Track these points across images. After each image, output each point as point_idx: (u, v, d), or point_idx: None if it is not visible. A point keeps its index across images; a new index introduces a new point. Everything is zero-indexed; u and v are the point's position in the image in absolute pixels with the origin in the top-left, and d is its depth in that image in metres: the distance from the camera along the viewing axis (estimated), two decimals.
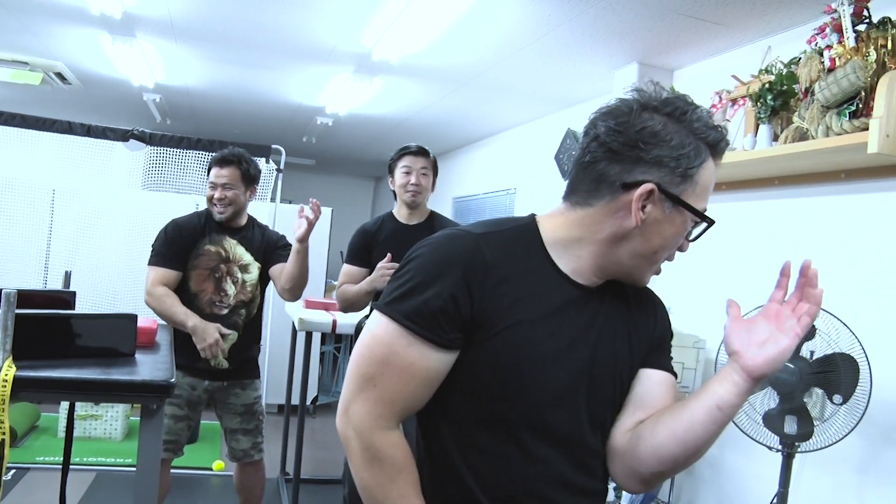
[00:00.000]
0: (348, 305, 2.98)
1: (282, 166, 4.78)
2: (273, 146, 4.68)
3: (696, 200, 1.11)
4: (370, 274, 2.92)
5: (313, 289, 5.68)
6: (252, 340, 2.94)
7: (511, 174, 6.04)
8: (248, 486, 2.99)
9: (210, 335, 2.68)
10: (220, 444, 4.44)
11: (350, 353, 3.83)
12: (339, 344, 6.63)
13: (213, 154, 4.43)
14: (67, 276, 2.28)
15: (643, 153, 1.08)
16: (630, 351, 1.21)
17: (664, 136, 1.08)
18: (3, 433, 1.39)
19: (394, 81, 4.71)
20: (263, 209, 4.89)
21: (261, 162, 4.70)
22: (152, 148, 4.52)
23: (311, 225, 2.66)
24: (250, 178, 2.88)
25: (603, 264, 1.15)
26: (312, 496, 3.88)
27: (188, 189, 4.84)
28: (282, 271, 2.80)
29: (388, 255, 2.83)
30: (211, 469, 4.18)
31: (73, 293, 2.12)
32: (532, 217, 1.21)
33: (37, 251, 4.62)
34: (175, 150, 4.57)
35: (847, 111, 2.35)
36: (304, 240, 2.67)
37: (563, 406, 1.12)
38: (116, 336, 1.72)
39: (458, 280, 1.06)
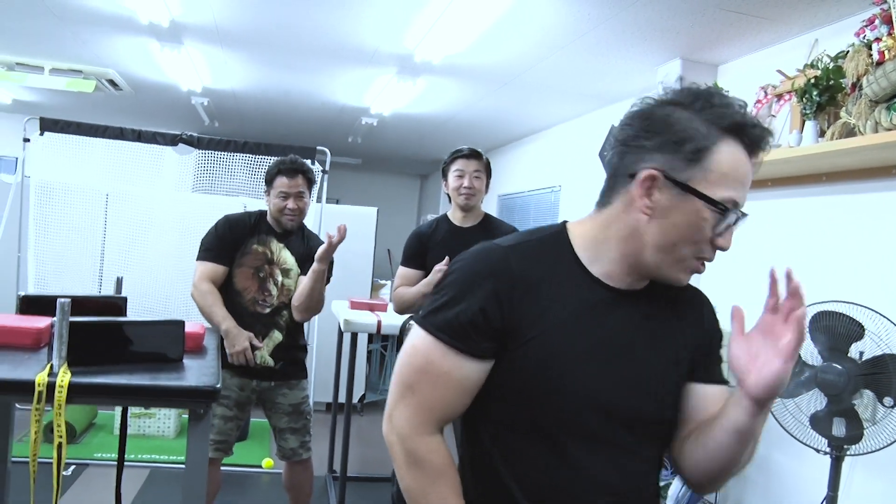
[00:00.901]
0: (406, 307, 3.00)
1: (327, 167, 4.84)
2: (318, 147, 4.74)
3: (711, 187, 1.06)
4: (426, 276, 2.95)
5: (359, 289, 5.74)
6: (297, 342, 2.99)
7: (556, 171, 6.01)
8: (297, 485, 3.05)
9: (240, 342, 2.74)
10: (269, 442, 4.53)
11: (397, 351, 3.86)
12: (385, 342, 6.69)
13: (272, 159, 4.54)
14: (119, 281, 2.35)
15: (647, 141, 1.08)
16: (671, 354, 1.18)
17: (669, 123, 1.07)
18: (61, 435, 1.45)
19: (437, 81, 4.74)
20: (309, 210, 4.95)
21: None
22: (200, 151, 4.62)
23: (331, 246, 2.67)
24: (312, 184, 2.96)
25: (632, 263, 1.14)
26: (360, 494, 3.94)
27: (236, 191, 4.93)
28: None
29: (446, 257, 2.86)
30: (260, 466, 4.27)
31: (125, 298, 2.19)
32: (563, 224, 1.22)
33: (91, 254, 4.77)
34: (223, 153, 4.67)
35: None
36: (322, 259, 2.70)
37: (596, 408, 1.13)
38: (165, 341, 1.77)
39: (488, 293, 1.11)
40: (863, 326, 2.34)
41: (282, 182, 2.85)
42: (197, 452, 1.61)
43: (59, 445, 1.45)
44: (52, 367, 1.48)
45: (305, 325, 3.09)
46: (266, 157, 4.65)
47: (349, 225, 5.53)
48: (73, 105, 6.68)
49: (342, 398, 4.29)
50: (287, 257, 2.92)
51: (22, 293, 2.08)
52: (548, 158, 6.24)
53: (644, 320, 1.17)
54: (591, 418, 1.12)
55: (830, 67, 2.59)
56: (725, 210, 1.07)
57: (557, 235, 1.20)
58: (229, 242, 2.87)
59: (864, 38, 2.48)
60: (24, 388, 1.43)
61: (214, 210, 4.80)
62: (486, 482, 1.17)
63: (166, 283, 4.69)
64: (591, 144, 5.16)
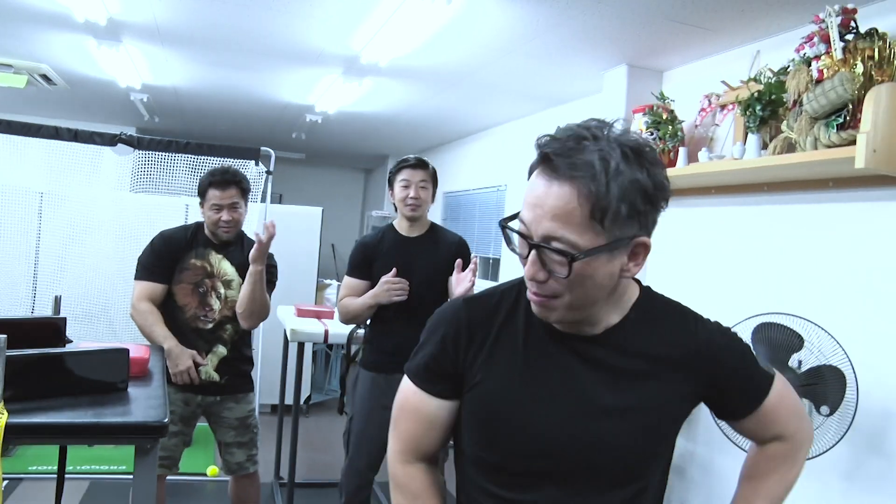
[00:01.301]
0: (351, 318, 2.98)
1: (271, 168, 4.75)
2: (262, 149, 4.65)
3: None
4: (371, 286, 2.92)
5: (305, 288, 5.67)
6: (243, 355, 2.94)
7: (502, 170, 6.04)
8: (244, 499, 3.01)
9: (183, 362, 2.68)
10: (213, 450, 4.44)
11: (343, 352, 3.83)
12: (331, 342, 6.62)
13: (215, 160, 4.46)
14: (57, 301, 2.27)
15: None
16: (634, 403, 1.13)
17: None
18: None
19: (383, 82, 4.69)
20: (253, 210, 4.86)
21: (250, 165, 4.67)
22: (140, 151, 4.48)
23: (262, 245, 2.64)
24: (247, 195, 2.89)
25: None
26: (308, 500, 3.90)
27: (178, 191, 4.80)
28: None
29: (394, 269, 2.85)
30: (205, 475, 4.19)
31: (64, 319, 2.12)
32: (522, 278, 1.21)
33: (25, 255, 4.58)
34: (164, 153, 4.53)
35: (835, 122, 2.36)
36: (256, 261, 2.67)
37: (547, 455, 1.13)
38: (109, 370, 1.72)
39: (439, 340, 1.23)
40: (802, 338, 2.42)
41: (214, 194, 2.78)
42: (144, 487, 1.57)
43: None
44: None
45: (252, 333, 3.03)
46: (209, 158, 4.55)
47: (294, 225, 5.54)
48: (3, 100, 6.40)
49: (289, 399, 4.26)
50: (227, 268, 2.86)
51: None
52: (493, 157, 6.26)
53: (600, 368, 1.14)
54: (541, 466, 1.14)
55: (773, 82, 2.65)
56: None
57: (516, 288, 1.22)
58: (166, 259, 2.81)
59: (803, 53, 2.54)
60: None
61: (155, 211, 4.69)
62: None
63: (105, 286, 4.55)
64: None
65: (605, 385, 1.14)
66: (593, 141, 1.01)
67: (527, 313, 1.18)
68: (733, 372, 1.20)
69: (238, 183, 2.82)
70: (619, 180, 0.98)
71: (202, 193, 2.83)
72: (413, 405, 1.25)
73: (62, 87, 5.49)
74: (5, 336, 1.44)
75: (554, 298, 1.07)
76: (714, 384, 1.19)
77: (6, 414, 1.40)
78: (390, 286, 2.83)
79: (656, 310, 1.21)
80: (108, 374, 1.70)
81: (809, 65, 2.46)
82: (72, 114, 7.00)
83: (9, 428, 1.38)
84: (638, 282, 1.22)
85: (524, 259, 1.07)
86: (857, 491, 2.51)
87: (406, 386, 1.27)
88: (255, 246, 2.65)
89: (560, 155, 1.00)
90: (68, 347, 2.07)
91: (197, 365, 2.72)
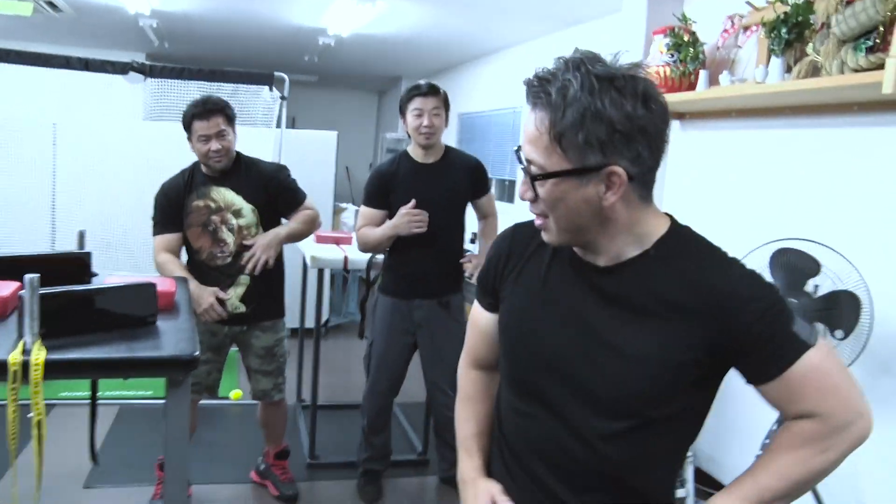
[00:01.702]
0: (370, 248, 3.01)
1: (286, 93, 4.70)
2: (276, 74, 4.59)
3: None
4: (389, 216, 2.93)
5: (321, 214, 5.63)
6: (269, 281, 2.93)
7: (516, 92, 5.92)
8: (271, 423, 3.12)
9: (205, 300, 2.72)
10: (236, 373, 4.57)
11: (362, 276, 3.85)
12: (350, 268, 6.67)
13: (228, 86, 4.41)
14: (82, 235, 2.30)
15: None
16: (645, 345, 1.11)
17: None
18: (40, 413, 1.45)
19: (397, 3, 4.59)
20: (269, 136, 4.85)
21: (263, 90, 4.63)
22: (152, 79, 4.44)
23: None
24: (233, 121, 2.85)
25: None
26: (328, 421, 4.02)
27: None
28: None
29: (413, 200, 2.86)
30: (229, 398, 4.32)
31: (89, 254, 2.15)
32: None
33: (42, 186, 4.61)
34: (176, 80, 4.49)
35: (864, 46, 2.29)
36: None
37: (552, 374, 1.18)
38: (138, 304, 1.76)
39: (489, 260, 1.35)
40: (818, 263, 2.42)
41: (199, 125, 2.74)
42: (177, 416, 1.63)
43: (39, 423, 1.45)
44: (24, 345, 1.46)
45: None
46: (222, 84, 4.50)
47: (309, 151, 5.51)
48: (11, 27, 6.31)
49: (308, 323, 4.35)
50: (233, 198, 2.84)
51: None
52: (509, 79, 6.15)
53: (608, 299, 1.14)
54: (545, 384, 1.19)
55: (800, 3, 2.56)
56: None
57: None
58: (170, 209, 2.82)
59: None
60: None
61: (170, 138, 4.66)
62: (498, 427, 1.35)
63: (124, 215, 4.59)
64: None
65: (609, 317, 1.14)
66: (563, 71, 1.06)
67: (555, 249, 1.23)
68: (757, 331, 1.08)
69: (221, 110, 2.78)
70: (574, 107, 1.03)
71: (187, 127, 2.79)
72: (473, 317, 1.41)
73: (69, 13, 5.40)
74: (38, 275, 1.47)
75: (545, 218, 1.15)
76: (731, 339, 1.09)
77: (45, 350, 1.44)
78: (410, 217, 2.84)
79: (683, 249, 1.15)
80: (138, 308, 1.75)
81: None
82: (79, 41, 6.90)
83: (48, 364, 1.43)
84: (671, 217, 1.19)
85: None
86: None
87: (475, 305, 1.41)
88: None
89: (531, 85, 1.10)
90: (96, 282, 2.12)
91: (220, 301, 2.75)
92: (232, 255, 2.83)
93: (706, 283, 1.10)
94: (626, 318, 1.13)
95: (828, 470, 1.13)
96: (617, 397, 1.13)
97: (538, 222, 1.18)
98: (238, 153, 2.91)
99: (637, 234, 1.14)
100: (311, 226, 2.96)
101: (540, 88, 1.08)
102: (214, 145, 2.75)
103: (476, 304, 1.39)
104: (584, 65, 1.05)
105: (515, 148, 1.16)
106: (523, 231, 1.31)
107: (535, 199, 1.13)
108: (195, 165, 2.89)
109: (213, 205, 2.82)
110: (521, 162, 1.14)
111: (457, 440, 1.41)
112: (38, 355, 1.42)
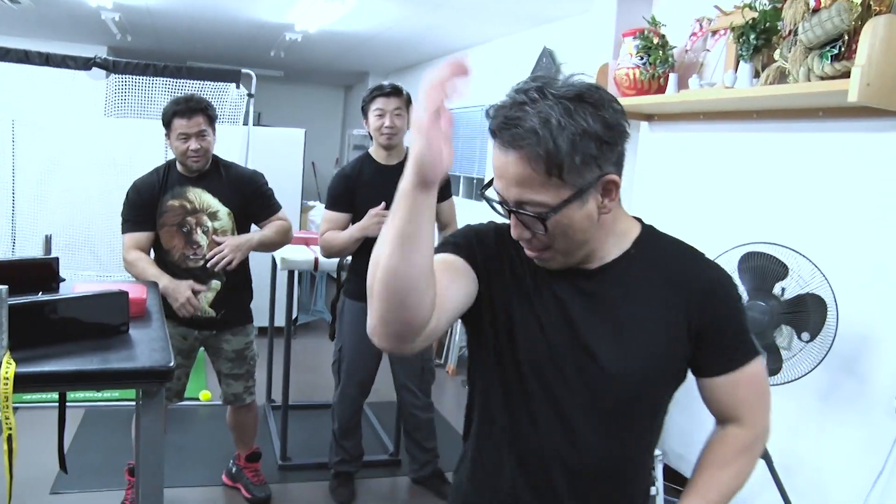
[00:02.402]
0: (335, 253, 2.99)
1: (253, 91, 4.64)
2: (243, 71, 4.52)
3: None
4: (353, 219, 2.91)
5: (288, 212, 5.57)
6: (239, 287, 2.92)
7: (485, 90, 5.92)
8: (242, 426, 3.09)
9: (181, 294, 2.68)
10: (204, 374, 4.52)
11: (332, 275, 3.82)
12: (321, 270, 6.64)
13: (194, 83, 4.33)
14: (48, 240, 2.25)
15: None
16: (629, 334, 1.16)
17: None
18: (10, 427, 1.42)
19: (366, 0, 4.55)
20: (237, 133, 4.78)
21: (230, 87, 4.56)
22: (116, 75, 4.34)
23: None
24: (214, 122, 2.81)
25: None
26: (300, 422, 3.99)
27: (154, 115, 4.66)
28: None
29: (383, 202, 2.84)
30: (198, 399, 4.27)
31: (56, 259, 2.11)
32: None
33: (2, 185, 4.49)
34: (140, 76, 4.39)
35: (829, 54, 2.34)
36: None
37: (541, 376, 1.18)
38: (110, 313, 1.72)
39: (471, 236, 1.24)
40: (786, 266, 2.47)
41: (180, 123, 2.70)
42: (152, 427, 1.60)
43: (9, 438, 1.42)
44: None
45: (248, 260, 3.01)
46: (187, 81, 4.42)
47: (276, 148, 5.45)
48: None
49: (278, 322, 4.31)
50: (209, 200, 2.80)
51: None
52: (478, 76, 6.09)
53: (597, 300, 1.17)
54: (535, 386, 1.18)
55: (768, 10, 2.60)
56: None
57: None
58: (143, 207, 2.76)
59: None
60: None
61: (134, 136, 4.58)
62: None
63: (88, 215, 4.49)
64: (522, 65, 5.12)
65: (601, 317, 1.17)
66: (532, 104, 1.03)
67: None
68: (724, 322, 1.19)
69: (204, 110, 2.74)
70: (564, 135, 1.02)
71: (167, 124, 2.74)
72: (439, 260, 1.17)
73: (27, 5, 5.26)
74: (6, 287, 1.44)
75: (545, 250, 1.13)
76: (703, 327, 1.18)
77: (14, 363, 1.41)
78: (380, 218, 2.83)
79: (659, 247, 1.22)
80: (110, 317, 1.71)
81: None
82: (39, 32, 6.73)
83: (17, 377, 1.39)
84: (640, 220, 1.25)
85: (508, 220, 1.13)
86: (832, 410, 2.63)
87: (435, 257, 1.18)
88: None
89: (504, 128, 1.04)
90: (63, 288, 2.08)
91: (196, 292, 2.72)
92: (204, 258, 2.79)
93: (687, 273, 1.20)
94: (618, 317, 1.17)
95: (750, 475, 1.27)
96: (617, 395, 1.18)
97: (535, 255, 1.15)
98: (215, 155, 2.87)
99: (617, 233, 1.19)
100: (285, 237, 2.94)
101: (516, 128, 1.03)
102: (194, 144, 2.71)
103: (442, 254, 1.20)
104: (546, 90, 1.04)
105: (483, 188, 1.13)
106: (506, 234, 1.20)
107: (533, 237, 1.11)
108: (170, 164, 2.84)
109: (188, 205, 2.78)
110: (503, 205, 1.10)
111: None
112: (8, 369, 1.38)
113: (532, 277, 1.20)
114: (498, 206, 1.13)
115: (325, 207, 3.04)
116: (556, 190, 1.05)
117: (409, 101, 2.98)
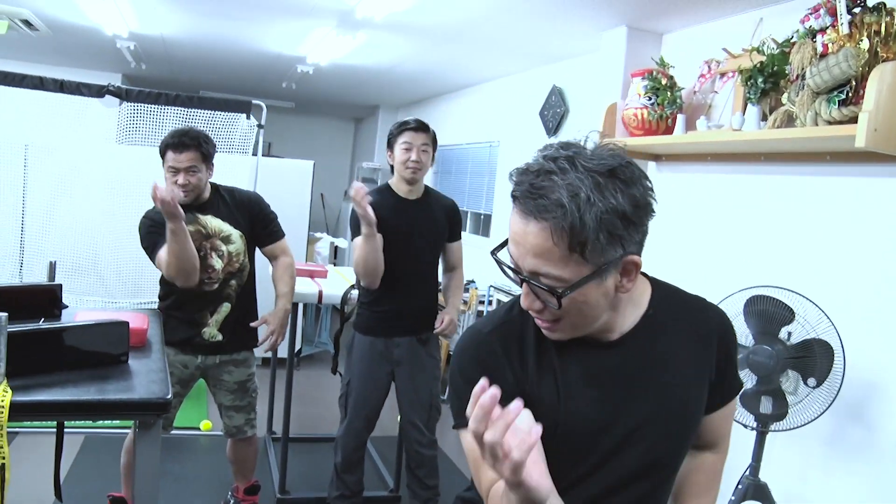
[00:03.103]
0: (369, 267, 2.83)
1: (263, 122, 4.68)
2: (254, 102, 4.57)
3: None
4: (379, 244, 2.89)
5: (295, 243, 5.61)
6: (246, 311, 2.93)
7: (494, 126, 5.98)
8: (242, 459, 3.05)
9: (166, 191, 2.45)
10: (206, 403, 4.49)
11: (336, 309, 3.78)
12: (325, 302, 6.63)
13: (206, 112, 4.38)
14: (52, 266, 2.25)
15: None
16: (679, 387, 1.18)
17: None
18: (3, 457, 1.40)
19: (377, 36, 4.61)
20: (246, 163, 4.81)
21: (241, 118, 4.60)
22: (128, 103, 4.39)
23: (158, 199, 2.42)
24: (209, 157, 2.79)
25: None
26: (300, 455, 3.95)
27: None
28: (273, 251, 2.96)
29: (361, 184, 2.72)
30: (199, 429, 4.23)
31: (60, 286, 2.11)
32: None
33: (13, 208, 4.51)
34: (152, 105, 4.44)
35: (837, 98, 2.34)
36: (171, 217, 2.47)
37: (626, 455, 1.16)
38: (109, 342, 1.72)
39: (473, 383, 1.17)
40: (793, 311, 2.45)
41: (171, 157, 2.70)
42: (148, 458, 1.58)
43: (2, 467, 1.40)
44: None
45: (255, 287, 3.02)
46: (199, 111, 4.47)
47: (285, 179, 5.48)
48: None
49: (280, 353, 4.27)
50: (220, 225, 2.81)
51: None
52: (487, 112, 6.20)
53: (628, 369, 1.16)
54: (621, 463, 1.15)
55: (776, 54, 2.62)
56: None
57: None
58: (160, 231, 2.68)
59: (808, 25, 2.51)
60: None
61: (144, 162, 4.61)
62: None
63: (95, 240, 4.50)
64: (531, 101, 5.16)
65: (636, 384, 1.16)
66: (561, 174, 0.99)
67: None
68: (731, 362, 1.26)
69: (197, 146, 2.71)
70: (592, 211, 0.97)
71: (162, 154, 2.75)
72: (473, 447, 1.13)
73: (45, 33, 5.34)
74: (6, 314, 1.43)
75: (556, 322, 1.09)
76: (718, 371, 1.23)
77: (10, 392, 1.40)
78: (355, 193, 2.68)
79: (672, 301, 1.23)
80: (110, 346, 1.70)
81: (814, 37, 2.43)
82: (55, 59, 6.83)
83: (13, 406, 1.38)
84: (647, 276, 1.23)
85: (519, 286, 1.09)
86: (838, 458, 2.58)
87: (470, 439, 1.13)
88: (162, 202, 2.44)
89: (529, 196, 1.00)
90: (66, 315, 2.07)
91: (197, 307, 2.78)
92: (219, 281, 2.80)
93: (707, 324, 1.23)
94: (647, 379, 1.16)
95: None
96: (678, 451, 1.21)
97: (545, 326, 1.11)
98: (213, 184, 2.87)
99: (635, 300, 1.18)
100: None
101: (542, 199, 0.99)
102: (181, 179, 2.70)
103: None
104: (577, 161, 1.00)
105: (495, 250, 1.10)
106: (502, 334, 1.17)
107: (543, 309, 1.07)
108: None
109: (203, 230, 2.79)
110: (514, 270, 1.06)
111: None
112: (4, 397, 1.37)
113: (560, 362, 1.15)
114: (509, 272, 1.08)
115: (352, 237, 3.00)
116: (575, 266, 1.01)
117: (434, 140, 3.00)
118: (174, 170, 2.71)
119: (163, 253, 2.63)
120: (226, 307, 2.83)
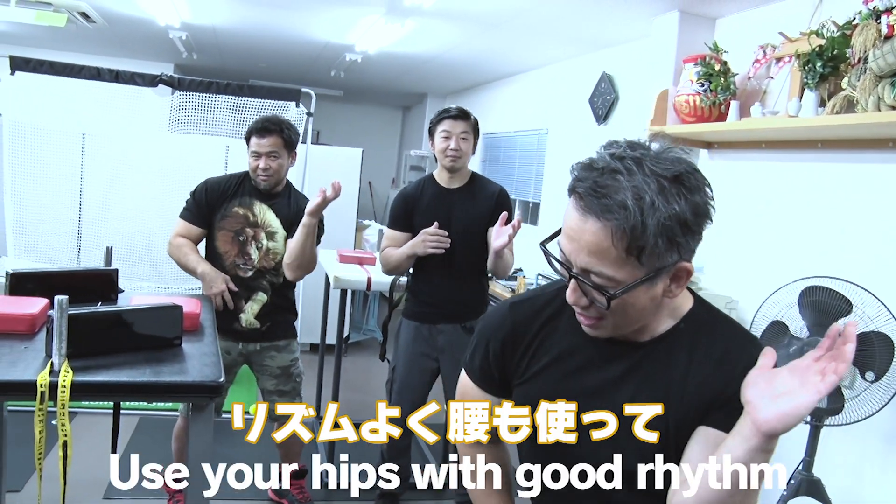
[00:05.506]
0: (391, 269, 3.00)
1: (312, 109, 4.72)
2: (303, 90, 4.62)
3: None
4: (412, 238, 2.93)
5: (344, 231, 5.69)
6: (284, 301, 2.96)
7: (542, 113, 5.93)
8: (287, 443, 3.08)
9: (217, 285, 2.74)
10: (256, 388, 4.55)
11: (384, 296, 3.83)
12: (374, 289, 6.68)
13: (254, 101, 4.45)
14: (109, 252, 2.32)
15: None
16: (667, 409, 1.12)
17: None
18: (66, 434, 1.45)
19: (426, 22, 4.59)
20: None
21: (290, 106, 4.65)
22: (180, 92, 4.48)
23: (325, 201, 2.61)
24: (292, 145, 2.87)
25: None
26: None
27: (216, 131, 4.79)
28: None
29: (435, 223, 2.87)
30: (249, 413, 4.30)
31: (116, 271, 2.16)
32: None
33: (70, 195, 4.65)
34: (204, 93, 4.52)
35: None
36: (313, 214, 2.63)
37: (564, 455, 1.16)
38: (164, 326, 1.76)
39: (490, 348, 1.27)
40: (850, 302, 2.38)
41: (254, 141, 2.80)
42: (201, 440, 1.62)
43: (65, 444, 1.45)
44: (52, 366, 1.46)
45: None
46: (249, 99, 4.53)
47: (334, 166, 5.53)
48: (44, 36, 6.40)
49: (329, 340, 4.33)
50: (272, 220, 2.87)
51: (10, 270, 2.02)
52: (535, 99, 6.14)
53: (640, 372, 1.14)
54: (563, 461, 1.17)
55: (836, 37, 2.53)
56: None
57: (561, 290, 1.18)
58: (205, 206, 2.85)
59: (872, 6, 2.42)
60: (24, 388, 1.41)
61: (196, 151, 4.71)
62: None
63: (148, 226, 4.61)
64: (581, 88, 5.09)
65: (640, 390, 1.14)
66: (627, 175, 0.98)
67: (570, 318, 1.17)
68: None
69: (280, 132, 2.80)
70: (655, 216, 0.97)
71: (247, 140, 2.86)
72: (472, 399, 1.30)
73: (101, 24, 5.47)
74: (67, 297, 1.48)
75: (599, 319, 1.09)
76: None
77: (72, 372, 1.44)
78: (427, 237, 2.85)
79: (708, 323, 1.16)
80: (164, 330, 1.74)
81: (878, 19, 2.34)
82: (110, 50, 6.99)
83: (74, 386, 1.43)
84: (692, 292, 1.20)
85: (567, 280, 1.08)
86: None
87: (465, 380, 1.33)
88: (318, 199, 2.60)
89: (592, 194, 0.99)
90: (122, 299, 2.13)
91: (231, 293, 2.78)
92: (254, 269, 2.85)
93: (731, 364, 1.11)
94: (655, 388, 1.13)
95: None
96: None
97: (587, 322, 1.11)
98: (289, 183, 2.96)
99: (672, 308, 1.16)
100: (312, 262, 2.82)
101: (606, 199, 0.98)
102: (263, 163, 2.79)
103: (473, 386, 1.32)
104: (644, 163, 0.99)
105: (545, 241, 1.09)
106: (523, 310, 1.23)
107: (589, 306, 1.07)
108: (247, 174, 2.92)
109: (251, 217, 2.85)
110: (563, 265, 1.06)
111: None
112: (66, 377, 1.42)
113: (568, 351, 1.19)
114: (557, 265, 1.08)
115: (387, 226, 3.07)
116: (630, 269, 1.01)
117: (476, 127, 2.98)
118: (256, 154, 2.80)
119: (181, 225, 2.86)
120: (262, 296, 2.88)
